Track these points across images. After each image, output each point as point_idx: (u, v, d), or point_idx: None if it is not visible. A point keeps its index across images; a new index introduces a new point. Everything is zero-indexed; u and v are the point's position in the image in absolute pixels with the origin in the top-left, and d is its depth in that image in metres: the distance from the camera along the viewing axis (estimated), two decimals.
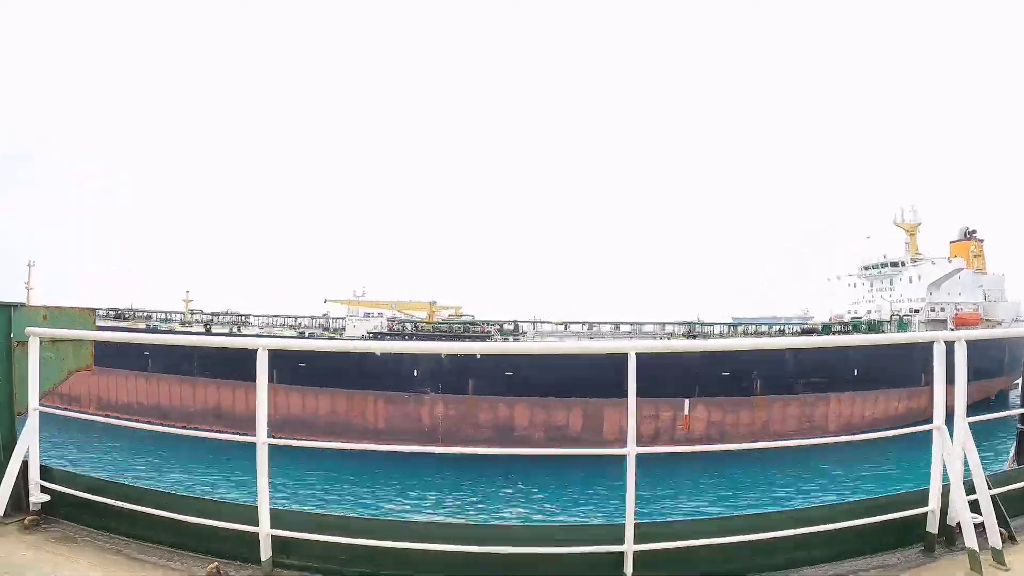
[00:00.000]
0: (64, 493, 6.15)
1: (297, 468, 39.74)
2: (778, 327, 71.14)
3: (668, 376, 46.26)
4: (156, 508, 5.69)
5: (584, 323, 67.41)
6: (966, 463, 5.54)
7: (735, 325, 70.97)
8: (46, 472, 6.28)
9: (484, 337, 66.26)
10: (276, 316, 77.79)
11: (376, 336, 67.44)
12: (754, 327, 70.98)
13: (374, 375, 51.52)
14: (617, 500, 36.15)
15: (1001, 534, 5.33)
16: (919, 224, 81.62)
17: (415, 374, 51.78)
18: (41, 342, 6.16)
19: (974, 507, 5.30)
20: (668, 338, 62.54)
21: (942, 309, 72.85)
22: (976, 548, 5.08)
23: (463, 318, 78.86)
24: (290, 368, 49.72)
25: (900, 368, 54.29)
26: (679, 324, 66.30)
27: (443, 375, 51.71)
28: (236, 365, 52.48)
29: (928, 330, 50.57)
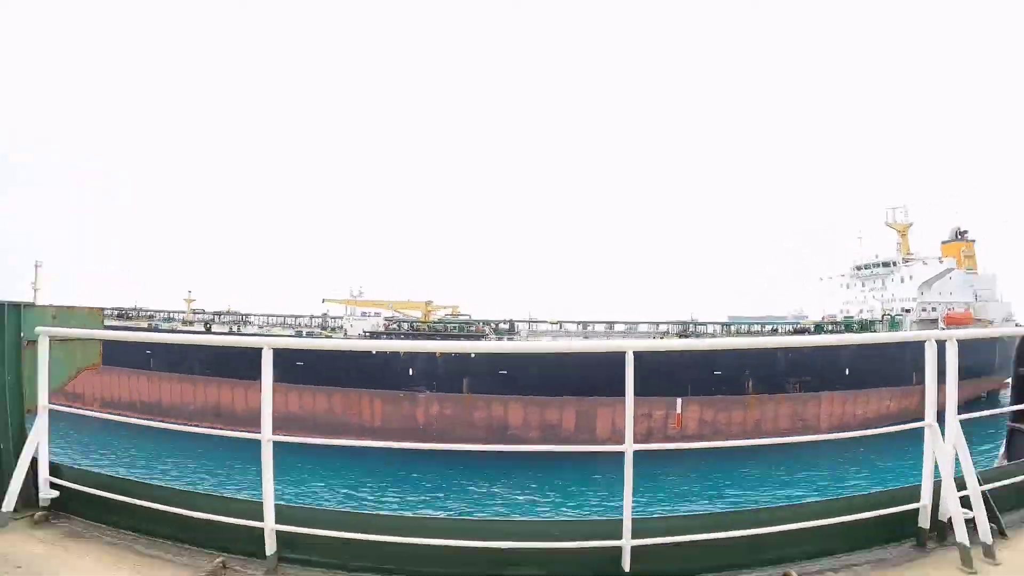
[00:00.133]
0: (73, 489, 6.20)
1: (297, 465, 39.83)
2: (771, 327, 71.14)
3: (661, 375, 46.73)
4: (163, 504, 5.74)
5: (579, 323, 67.51)
6: (957, 460, 5.60)
7: (729, 325, 70.97)
8: (56, 469, 6.32)
9: (478, 336, 66.27)
10: (276, 315, 78.21)
11: (372, 335, 67.46)
12: (747, 327, 70.96)
13: (370, 374, 51.70)
14: (606, 495, 36.60)
15: (992, 529, 5.38)
16: (910, 225, 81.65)
17: (410, 373, 51.88)
18: (51, 341, 6.23)
19: (965, 503, 5.37)
20: (662, 337, 62.68)
21: (933, 309, 72.90)
22: (967, 543, 5.13)
23: (460, 317, 78.84)
24: (288, 367, 49.41)
25: (891, 367, 54.19)
26: (673, 324, 66.36)
27: (438, 374, 51.84)
28: (235, 364, 52.95)
29: (919, 330, 50.68)
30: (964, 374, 6.16)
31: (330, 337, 67.86)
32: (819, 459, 43.47)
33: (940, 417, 5.64)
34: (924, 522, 5.66)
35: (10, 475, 5.93)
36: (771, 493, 37.81)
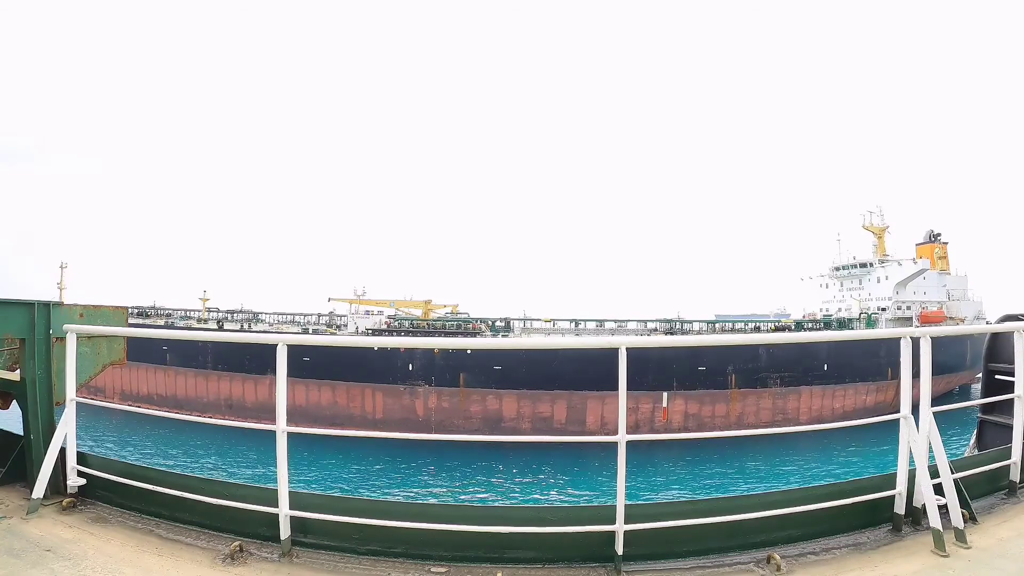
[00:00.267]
0: (99, 477, 6.30)
1: (303, 454, 40.06)
2: (754, 324, 71.25)
3: (648, 370, 47.61)
4: (184, 491, 5.83)
5: (571, 320, 67.53)
6: (931, 449, 5.70)
7: (713, 322, 71.00)
8: (82, 458, 6.43)
9: (474, 334, 66.41)
10: (285, 314, 78.25)
11: (374, 333, 67.56)
12: (731, 324, 71.04)
13: (372, 369, 51.99)
14: (594, 482, 37.19)
15: (963, 515, 5.51)
16: (887, 227, 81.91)
17: (410, 368, 52.09)
18: (78, 338, 6.34)
19: (938, 490, 5.47)
20: (648, 335, 62.85)
21: (908, 308, 73.16)
22: (940, 528, 5.24)
23: (460, 316, 78.94)
24: (295, 362, 48.78)
25: (868, 363, 54.86)
26: (660, 322, 66.33)
27: (436, 369, 51.99)
28: (246, 359, 53.48)
29: (895, 327, 50.86)
30: (937, 370, 6.25)
31: (334, 334, 67.89)
32: (798, 451, 43.73)
33: (915, 409, 5.73)
34: (900, 508, 5.77)
35: (40, 464, 6.03)
36: (753, 486, 37.88)
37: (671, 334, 62.96)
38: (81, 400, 6.30)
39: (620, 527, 4.96)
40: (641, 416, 49.87)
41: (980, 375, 9.18)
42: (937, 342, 5.84)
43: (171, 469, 6.81)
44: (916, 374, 5.70)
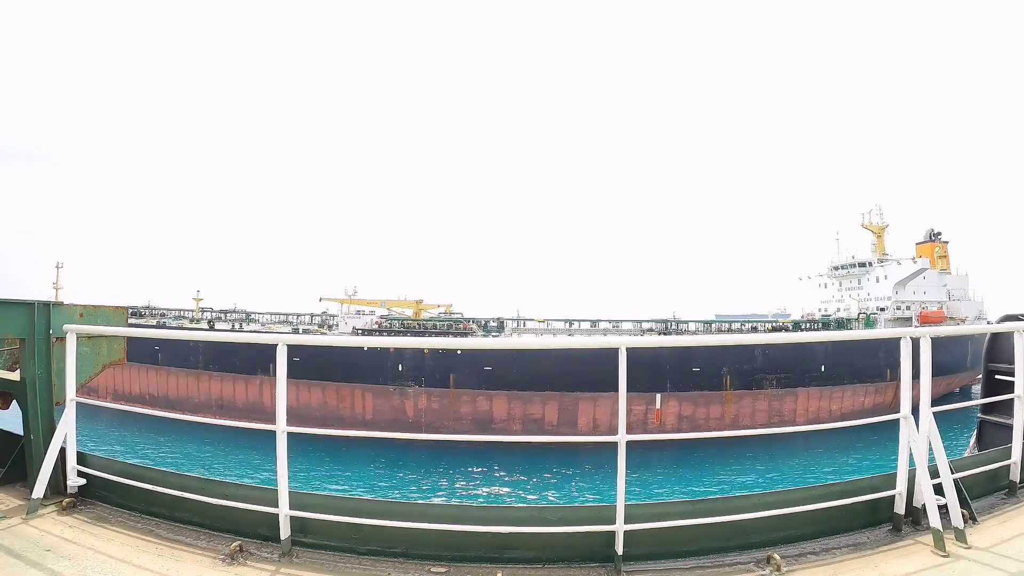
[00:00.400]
0: (99, 477, 6.37)
1: (299, 455, 40.16)
2: (750, 324, 71.16)
3: (641, 371, 46.99)
4: (183, 491, 5.90)
5: (565, 320, 67.60)
6: (931, 449, 5.76)
7: (709, 322, 70.93)
8: (82, 457, 6.50)
9: (465, 334, 66.43)
10: (278, 313, 78.98)
11: (364, 333, 67.65)
12: (728, 324, 70.98)
13: (361, 369, 52.13)
14: (587, 484, 37.41)
15: (963, 515, 5.57)
16: (886, 226, 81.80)
17: (400, 368, 52.14)
18: (78, 338, 6.41)
19: (938, 490, 5.54)
20: (642, 335, 62.76)
21: (908, 308, 73.13)
22: (940, 528, 5.30)
23: (453, 316, 79.09)
24: (286, 363, 48.76)
25: (866, 364, 54.73)
26: (656, 322, 66.49)
27: (426, 370, 52.02)
28: (236, 360, 53.71)
29: (894, 328, 50.82)
30: (938, 371, 6.30)
31: (325, 334, 67.98)
32: (794, 453, 43.87)
33: (915, 409, 5.80)
34: (900, 508, 5.84)
35: (40, 464, 6.10)
36: (751, 488, 37.82)
37: (666, 334, 62.98)
38: (81, 400, 6.36)
39: (620, 527, 5.01)
40: (634, 418, 49.68)
41: (981, 376, 9.23)
42: (937, 343, 5.89)
43: (169, 469, 6.81)
44: (916, 375, 5.77)
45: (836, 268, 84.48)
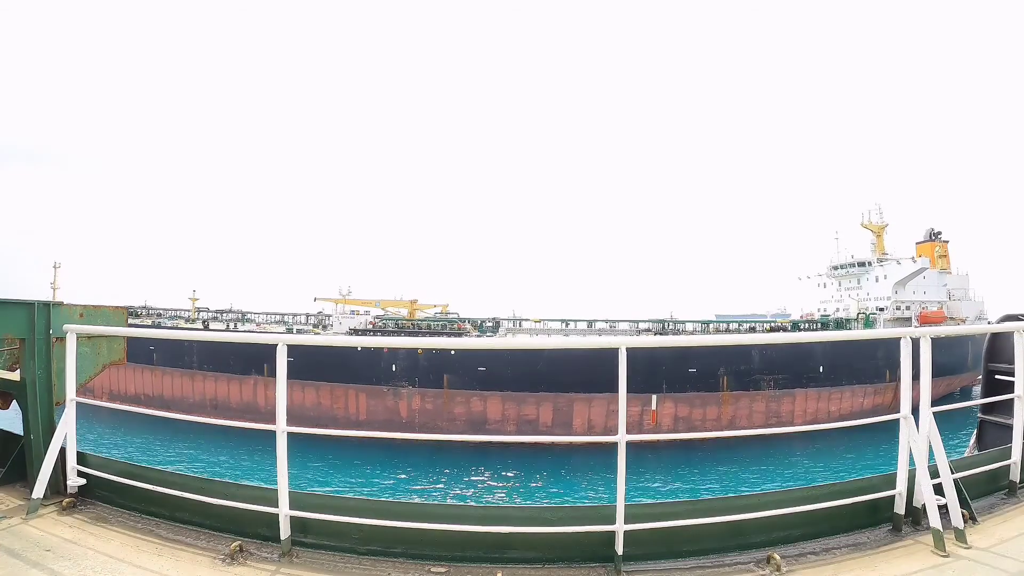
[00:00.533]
0: (99, 477, 6.42)
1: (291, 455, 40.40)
2: (748, 324, 71.04)
3: (636, 371, 46.49)
4: (184, 491, 5.94)
5: (561, 320, 67.63)
6: (931, 449, 5.81)
7: (707, 323, 70.82)
8: (82, 457, 6.54)
9: (459, 334, 66.49)
10: (273, 313, 79.37)
11: (358, 333, 67.75)
12: (726, 324, 70.89)
13: (355, 370, 52.27)
14: (582, 485, 37.28)
15: (963, 515, 5.62)
16: (886, 225, 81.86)
17: (393, 369, 52.29)
18: (78, 338, 6.46)
19: (938, 490, 5.59)
20: (638, 335, 62.85)
21: (907, 308, 73.16)
22: (940, 528, 5.35)
23: (449, 316, 79.21)
24: (286, 363, 48.88)
25: (865, 365, 54.78)
26: (652, 322, 66.51)
27: (420, 370, 52.16)
28: (231, 360, 53.88)
29: (893, 328, 50.79)
30: (938, 371, 6.33)
31: (318, 334, 68.07)
32: (793, 455, 43.93)
33: (915, 410, 5.85)
34: (900, 508, 5.89)
35: (40, 464, 6.15)
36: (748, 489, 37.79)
37: (663, 335, 62.90)
38: (81, 400, 6.41)
39: (620, 527, 5.05)
40: (630, 419, 48.12)
41: (981, 376, 9.26)
42: (938, 343, 5.94)
43: (168, 469, 6.84)
44: (916, 375, 5.82)
45: (835, 268, 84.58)
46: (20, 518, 5.80)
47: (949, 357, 59.60)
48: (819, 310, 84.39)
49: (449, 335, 66.53)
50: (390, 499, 7.02)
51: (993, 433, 8.84)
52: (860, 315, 71.56)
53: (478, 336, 65.47)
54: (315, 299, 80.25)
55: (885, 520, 5.96)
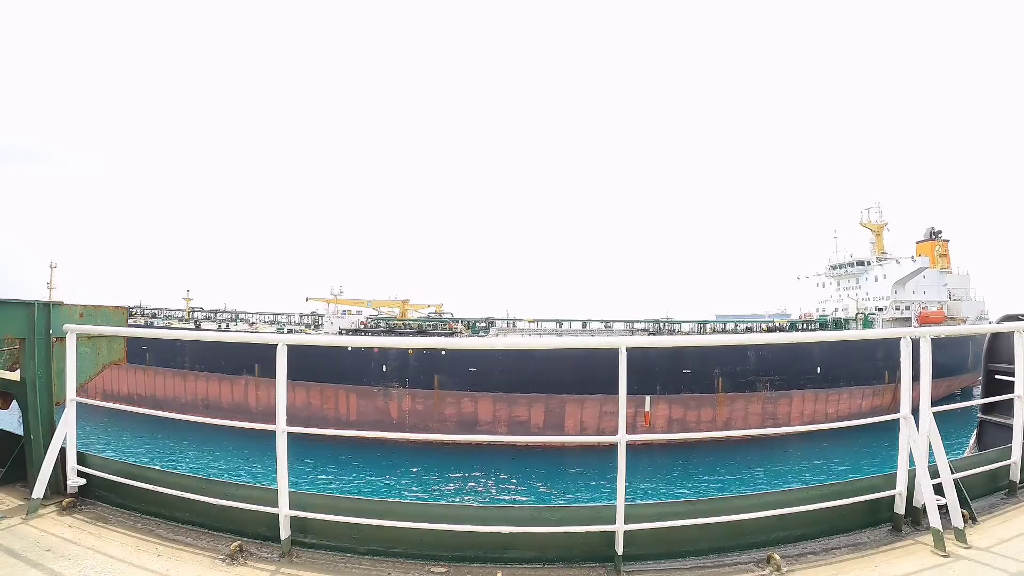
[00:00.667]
0: (99, 477, 6.49)
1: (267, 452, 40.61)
2: (745, 324, 70.94)
3: (629, 372, 46.48)
4: (183, 491, 6.01)
5: (555, 320, 67.64)
6: (931, 449, 5.88)
7: (703, 323, 70.72)
8: (82, 457, 6.61)
9: (451, 334, 66.55)
10: (266, 313, 79.73)
11: (349, 333, 67.85)
12: (723, 325, 70.80)
13: (345, 370, 52.40)
14: (575, 487, 37.07)
15: (963, 515, 5.70)
16: (885, 224, 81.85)
17: (384, 369, 52.41)
18: (78, 338, 6.52)
19: (938, 490, 5.67)
20: (631, 335, 62.70)
21: (907, 307, 73.13)
22: (940, 528, 5.43)
23: (443, 316, 79.32)
24: (271, 363, 48.96)
25: (864, 366, 54.83)
26: (648, 322, 66.57)
27: (410, 371, 52.23)
28: (222, 360, 54.05)
29: (893, 328, 50.73)
30: (938, 372, 6.38)
31: (308, 335, 68.25)
32: (790, 459, 44.04)
33: (915, 410, 5.93)
34: (900, 508, 5.98)
35: (40, 464, 6.22)
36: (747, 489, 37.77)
37: (657, 335, 62.75)
38: (81, 400, 6.47)
39: (620, 527, 5.12)
40: None
41: (982, 378, 9.31)
42: (938, 344, 6.00)
43: (168, 469, 6.90)
44: (916, 376, 5.89)
45: (834, 267, 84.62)
46: (20, 518, 5.86)
47: (949, 358, 59.71)
48: (818, 310, 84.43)
49: (440, 335, 66.68)
50: (390, 499, 7.07)
51: (993, 433, 8.92)
52: (859, 315, 71.59)
53: (470, 336, 65.53)
54: (307, 299, 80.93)
55: (885, 520, 6.04)
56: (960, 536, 5.49)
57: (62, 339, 6.46)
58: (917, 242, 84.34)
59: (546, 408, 50.01)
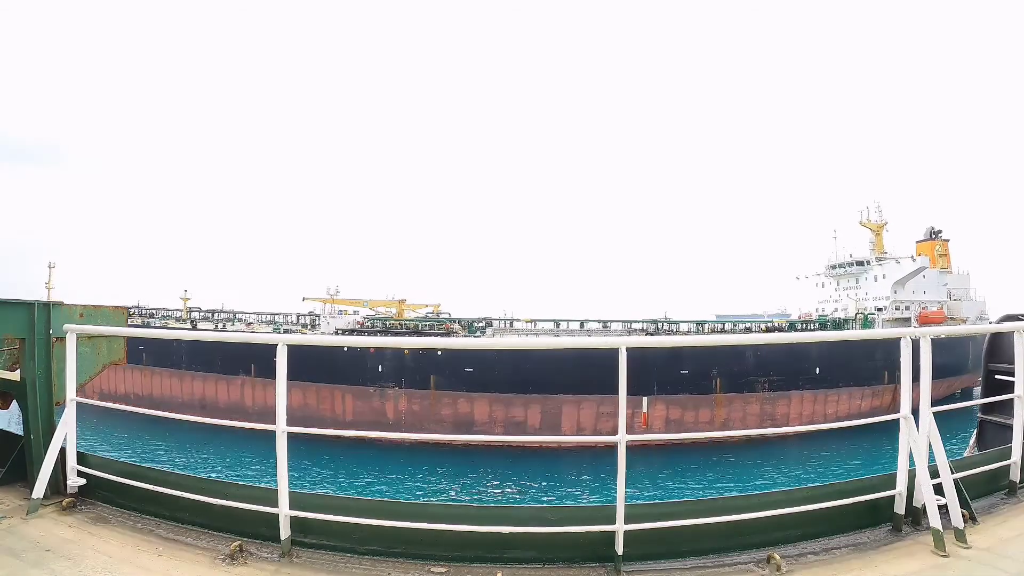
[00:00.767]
0: (99, 477, 6.53)
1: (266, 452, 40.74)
2: (744, 325, 70.83)
3: (627, 373, 46.40)
4: (183, 491, 6.06)
5: (553, 321, 67.64)
6: (931, 449, 5.93)
7: (701, 323, 70.58)
8: (82, 457, 6.65)
9: (447, 334, 66.58)
10: (263, 313, 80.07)
11: (345, 333, 67.93)
12: (721, 325, 70.65)
13: (341, 370, 52.43)
14: (569, 486, 37.08)
15: (963, 515, 5.74)
16: (885, 224, 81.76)
17: (380, 369, 52.50)
18: (78, 338, 6.56)
19: (938, 490, 5.71)
20: (628, 335, 62.62)
21: (907, 307, 73.06)
22: (940, 528, 5.47)
23: (441, 315, 79.40)
24: (267, 363, 49.22)
25: (863, 366, 54.67)
26: (646, 322, 66.51)
27: (406, 371, 52.29)
28: (218, 360, 54.19)
29: (892, 328, 50.57)
30: (938, 373, 6.40)
31: (305, 334, 68.28)
32: (788, 461, 43.99)
33: (915, 410, 5.96)
34: (900, 508, 6.01)
35: (40, 464, 6.26)
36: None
37: (655, 335, 62.65)
38: (81, 400, 6.51)
39: (620, 527, 5.14)
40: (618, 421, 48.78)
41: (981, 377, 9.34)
42: (938, 344, 6.03)
43: (168, 469, 6.95)
44: (916, 376, 5.93)
45: (833, 267, 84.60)
46: (20, 518, 5.90)
47: (950, 358, 59.55)
48: (817, 310, 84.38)
49: (437, 335, 66.71)
50: (390, 499, 7.10)
51: (993, 433, 8.97)
52: (858, 315, 71.49)
53: (466, 336, 65.59)
54: (303, 299, 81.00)
55: (885, 520, 6.07)
56: (960, 536, 5.53)
57: (62, 339, 6.50)
58: (917, 242, 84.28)
59: (543, 409, 49.98)
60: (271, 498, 5.59)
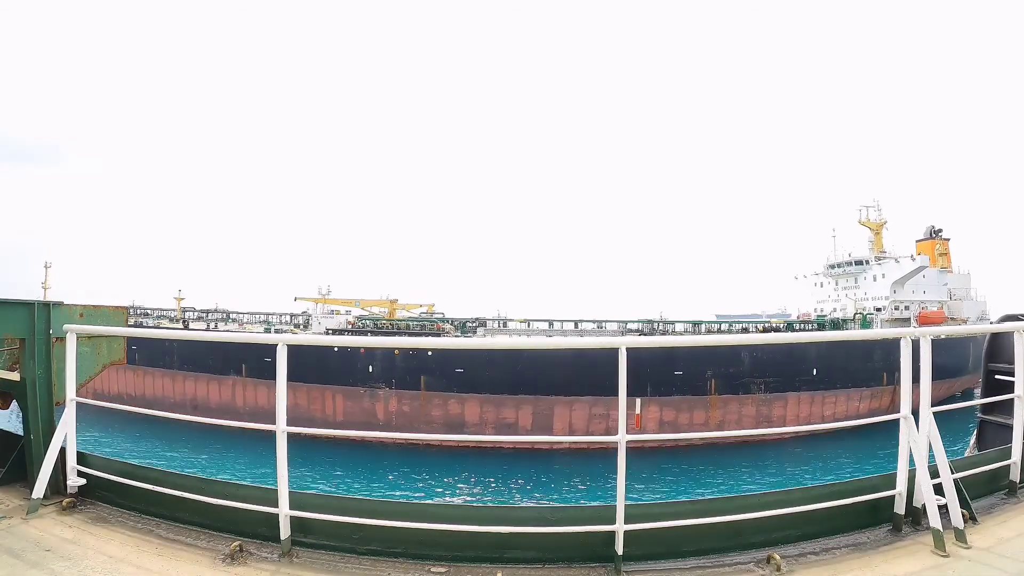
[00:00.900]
0: (99, 477, 6.60)
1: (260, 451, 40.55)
2: (741, 325, 70.69)
3: (619, 374, 46.13)
4: (183, 491, 6.13)
5: (547, 321, 67.62)
6: (931, 449, 6.00)
7: (698, 323, 70.39)
8: (82, 457, 6.72)
9: (438, 334, 66.61)
10: (257, 313, 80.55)
11: (336, 333, 67.95)
12: (717, 325, 70.52)
13: (332, 370, 52.37)
14: (560, 488, 37.09)
15: (963, 515, 5.82)
16: (884, 223, 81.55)
17: (370, 370, 52.47)
18: (78, 338, 6.63)
19: (938, 490, 5.79)
20: (623, 336, 62.55)
21: (906, 307, 72.90)
22: (940, 528, 5.54)
23: (435, 315, 79.45)
24: (259, 364, 51.21)
25: (861, 367, 54.60)
26: (642, 322, 66.65)
27: (397, 371, 52.24)
28: (210, 360, 54.27)
29: (891, 328, 50.21)
30: (938, 374, 6.45)
31: (296, 334, 68.34)
32: (785, 461, 44.11)
33: (915, 410, 6.04)
34: (900, 508, 6.10)
35: (40, 464, 6.33)
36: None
37: (650, 335, 62.53)
38: (81, 400, 6.58)
39: (620, 527, 5.21)
40: (611, 424, 47.86)
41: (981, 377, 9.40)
42: (938, 345, 6.10)
43: (168, 469, 7.00)
44: (916, 377, 5.99)
45: (832, 266, 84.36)
46: (20, 518, 5.97)
47: (950, 359, 59.32)
48: (816, 310, 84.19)
49: (427, 335, 66.75)
50: (390, 499, 7.16)
51: (993, 433, 9.06)
52: (857, 315, 71.43)
53: (457, 336, 65.52)
54: (296, 299, 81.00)
55: (885, 520, 6.15)
56: (960, 536, 5.61)
57: (62, 339, 6.57)
58: (917, 241, 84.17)
59: (534, 410, 49.87)
60: (271, 498, 5.65)
